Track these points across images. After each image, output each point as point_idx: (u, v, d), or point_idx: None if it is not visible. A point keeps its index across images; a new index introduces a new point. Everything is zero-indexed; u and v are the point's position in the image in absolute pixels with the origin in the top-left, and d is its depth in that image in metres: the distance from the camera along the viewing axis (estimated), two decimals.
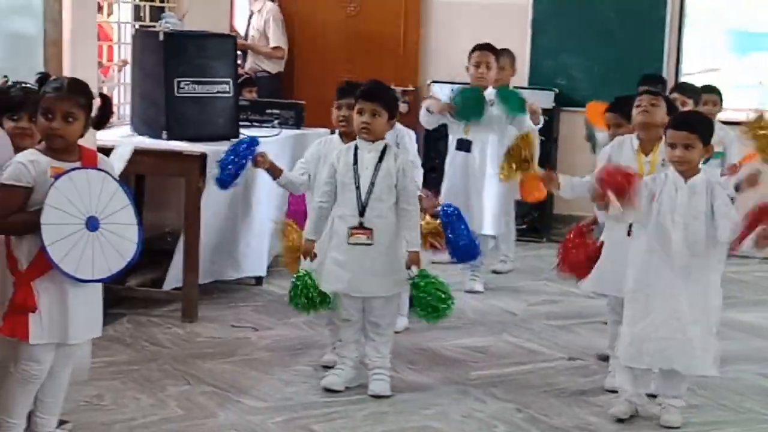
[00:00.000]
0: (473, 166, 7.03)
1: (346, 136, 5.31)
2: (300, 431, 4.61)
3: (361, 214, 4.97)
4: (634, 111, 5.26)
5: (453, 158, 7.12)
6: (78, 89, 4.02)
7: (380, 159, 5.00)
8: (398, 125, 6.05)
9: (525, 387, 5.30)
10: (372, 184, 4.97)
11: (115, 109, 7.44)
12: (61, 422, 4.31)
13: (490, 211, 7.06)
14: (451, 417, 4.84)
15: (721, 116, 7.76)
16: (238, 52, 8.71)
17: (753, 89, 9.01)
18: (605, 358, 5.62)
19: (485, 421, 4.82)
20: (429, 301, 4.96)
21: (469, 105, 6.96)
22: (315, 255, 5.03)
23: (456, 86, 7.35)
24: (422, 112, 7.01)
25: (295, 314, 6.20)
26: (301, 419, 4.73)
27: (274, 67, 9.52)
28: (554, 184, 5.23)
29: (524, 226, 8.99)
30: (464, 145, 7.05)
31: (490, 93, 7.02)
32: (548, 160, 8.20)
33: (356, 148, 5.04)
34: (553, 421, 4.85)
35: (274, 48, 9.56)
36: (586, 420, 4.87)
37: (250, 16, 9.43)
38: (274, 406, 4.88)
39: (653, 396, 4.98)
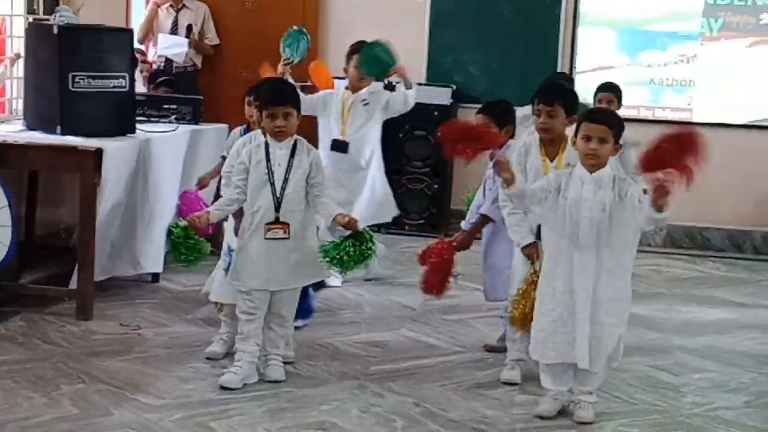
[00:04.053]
0: (353, 165, 7.03)
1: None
2: (197, 428, 4.58)
3: (277, 209, 5.03)
4: (535, 119, 5.31)
5: (327, 160, 6.79)
6: None
7: (292, 155, 5.07)
8: None
9: (423, 381, 5.34)
10: (286, 180, 5.04)
11: (7, 103, 7.33)
12: None
13: (371, 202, 7.07)
14: (350, 412, 4.85)
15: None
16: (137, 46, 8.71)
17: (645, 87, 9.21)
18: (492, 349, 5.79)
19: (383, 415, 4.84)
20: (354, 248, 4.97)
21: (375, 62, 6.97)
22: (200, 227, 5.04)
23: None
24: None
25: (192, 311, 6.21)
26: (198, 416, 4.69)
27: (199, 62, 9.63)
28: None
29: (422, 221, 9.08)
30: (340, 147, 7.04)
31: (368, 90, 7.11)
32: (445, 159, 8.27)
33: (266, 144, 5.08)
34: (450, 414, 4.89)
35: (213, 45, 9.71)
36: (483, 413, 4.92)
37: (179, 10, 9.43)
38: (171, 403, 4.84)
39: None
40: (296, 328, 5.60)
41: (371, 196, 7.10)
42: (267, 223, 5.05)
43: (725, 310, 7.18)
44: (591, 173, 4.76)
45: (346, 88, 7.11)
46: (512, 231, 5.28)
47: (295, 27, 7.32)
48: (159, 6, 9.51)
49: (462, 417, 4.87)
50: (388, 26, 9.11)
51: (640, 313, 6.83)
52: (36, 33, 6.58)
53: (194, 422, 4.63)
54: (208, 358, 5.42)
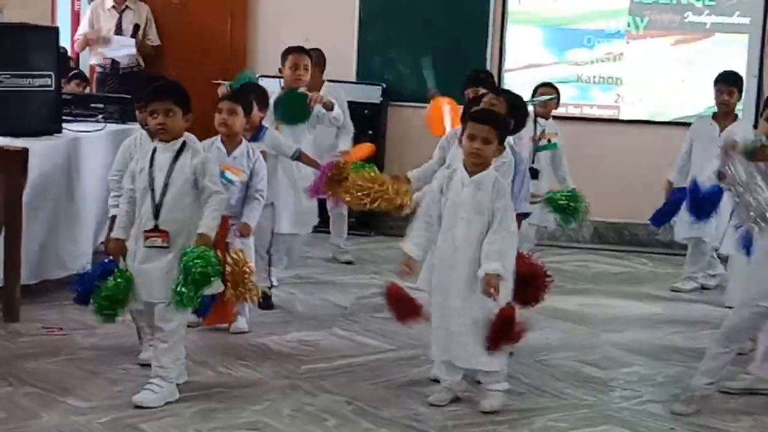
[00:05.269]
0: (285, 169, 6.69)
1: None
2: (128, 430, 4.54)
3: (156, 216, 4.80)
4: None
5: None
6: None
7: (175, 158, 4.85)
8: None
9: (355, 379, 5.35)
10: (165, 185, 4.81)
11: None
12: None
13: (296, 211, 6.80)
14: (282, 412, 4.84)
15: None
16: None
17: (572, 84, 9.30)
18: None
19: (316, 414, 4.83)
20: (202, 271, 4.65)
21: (294, 109, 6.89)
22: (124, 251, 4.89)
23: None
24: None
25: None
26: (128, 418, 4.65)
27: (142, 61, 9.63)
28: None
29: (353, 219, 9.07)
30: None
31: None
32: (376, 154, 8.27)
33: (155, 150, 4.90)
34: (383, 412, 4.90)
35: (154, 46, 9.69)
36: (416, 410, 4.94)
37: (123, 11, 9.39)
38: (101, 405, 4.79)
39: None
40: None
41: (296, 204, 6.77)
42: (145, 231, 4.81)
43: (652, 304, 7.28)
44: (471, 175, 4.83)
45: (282, 88, 7.02)
46: None
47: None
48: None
49: (394, 415, 4.88)
50: (317, 24, 9.12)
51: (568, 309, 6.91)
52: None
53: (124, 424, 4.59)
54: (142, 365, 5.28)
